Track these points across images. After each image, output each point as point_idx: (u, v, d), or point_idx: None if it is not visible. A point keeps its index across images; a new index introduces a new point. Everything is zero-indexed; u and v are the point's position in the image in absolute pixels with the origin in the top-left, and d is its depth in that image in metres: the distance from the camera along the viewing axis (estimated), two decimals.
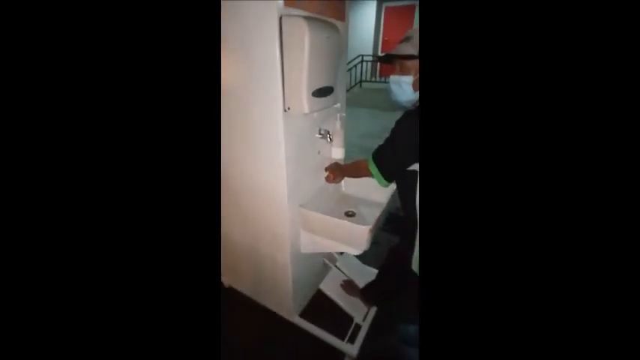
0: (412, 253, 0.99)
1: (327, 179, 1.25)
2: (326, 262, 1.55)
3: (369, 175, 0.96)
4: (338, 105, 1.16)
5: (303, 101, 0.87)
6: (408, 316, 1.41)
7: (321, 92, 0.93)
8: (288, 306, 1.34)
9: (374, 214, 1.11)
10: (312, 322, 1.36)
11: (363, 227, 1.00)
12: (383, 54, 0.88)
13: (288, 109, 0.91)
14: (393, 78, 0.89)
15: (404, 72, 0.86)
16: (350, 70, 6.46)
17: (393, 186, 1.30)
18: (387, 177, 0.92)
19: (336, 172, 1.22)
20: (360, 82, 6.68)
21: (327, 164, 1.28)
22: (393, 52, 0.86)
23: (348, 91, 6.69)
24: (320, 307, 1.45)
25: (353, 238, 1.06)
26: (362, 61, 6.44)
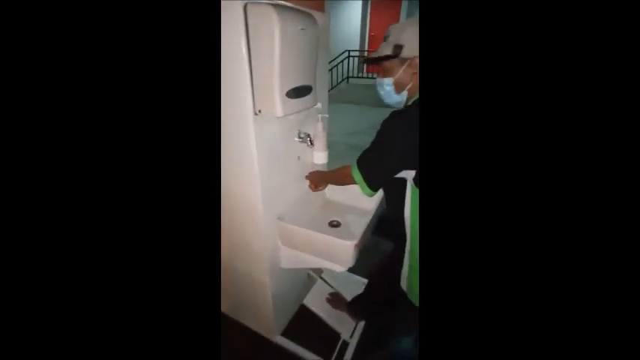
0: (400, 269, 0.90)
1: (310, 188, 1.15)
2: (311, 273, 1.45)
3: (354, 182, 0.85)
4: (319, 105, 1.04)
5: (276, 103, 0.76)
6: (398, 330, 1.32)
7: (298, 92, 0.81)
8: (268, 325, 1.24)
9: (361, 225, 1.01)
10: (296, 340, 1.26)
11: (348, 243, 0.89)
12: (364, 58, 0.79)
13: (259, 112, 0.79)
14: (377, 80, 0.82)
15: (385, 74, 0.78)
16: (337, 65, 6.34)
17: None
18: (372, 186, 0.81)
19: (318, 180, 1.11)
20: (347, 77, 6.57)
21: (309, 170, 1.17)
22: (372, 54, 0.79)
23: (334, 87, 6.59)
24: (305, 324, 1.35)
25: (337, 254, 0.95)
26: (349, 56, 6.32)
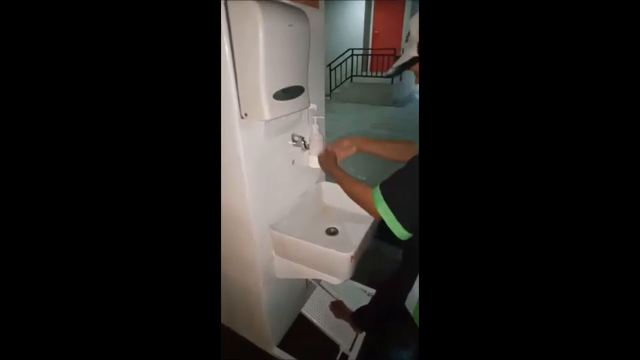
0: (409, 291, 0.82)
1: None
2: (310, 280, 1.40)
3: (373, 213, 0.67)
4: (313, 107, 0.98)
5: (263, 106, 0.70)
6: (401, 342, 1.26)
7: (287, 93, 0.76)
8: (264, 336, 1.19)
9: (359, 233, 0.95)
10: (293, 352, 1.21)
11: (344, 255, 0.83)
12: (392, 70, 0.68)
13: (245, 115, 0.73)
14: (414, 88, 0.72)
15: (417, 81, 0.65)
16: (340, 64, 6.27)
17: None
18: (408, 226, 0.62)
19: (325, 164, 0.96)
20: (351, 76, 6.49)
21: (304, 174, 1.11)
22: (398, 62, 0.65)
23: (338, 86, 6.52)
24: (303, 334, 1.29)
25: (332, 266, 0.90)
26: (352, 55, 6.25)
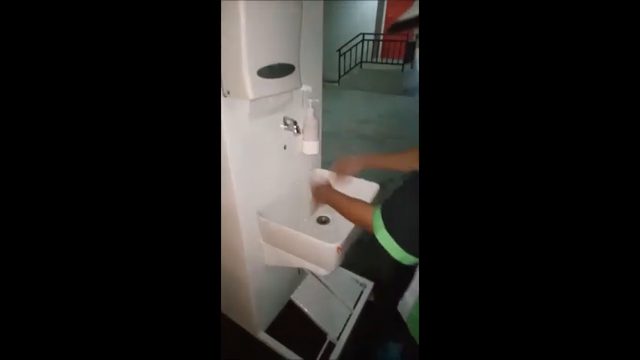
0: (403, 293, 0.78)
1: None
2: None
3: (369, 229, 0.62)
4: (308, 88, 0.93)
5: (246, 83, 0.65)
6: (390, 335, 1.24)
7: (274, 71, 0.70)
8: (251, 321, 1.18)
9: (350, 224, 0.91)
10: (281, 338, 1.20)
11: (330, 245, 0.80)
12: (394, 22, 0.54)
13: (228, 93, 0.69)
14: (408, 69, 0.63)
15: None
16: (350, 49, 6.09)
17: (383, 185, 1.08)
18: (412, 251, 0.56)
19: (321, 198, 0.92)
20: (361, 62, 6.31)
21: (297, 160, 1.07)
22: (403, 15, 0.51)
23: (347, 72, 6.36)
24: (293, 321, 1.28)
25: (318, 256, 0.87)
26: (363, 40, 6.04)
